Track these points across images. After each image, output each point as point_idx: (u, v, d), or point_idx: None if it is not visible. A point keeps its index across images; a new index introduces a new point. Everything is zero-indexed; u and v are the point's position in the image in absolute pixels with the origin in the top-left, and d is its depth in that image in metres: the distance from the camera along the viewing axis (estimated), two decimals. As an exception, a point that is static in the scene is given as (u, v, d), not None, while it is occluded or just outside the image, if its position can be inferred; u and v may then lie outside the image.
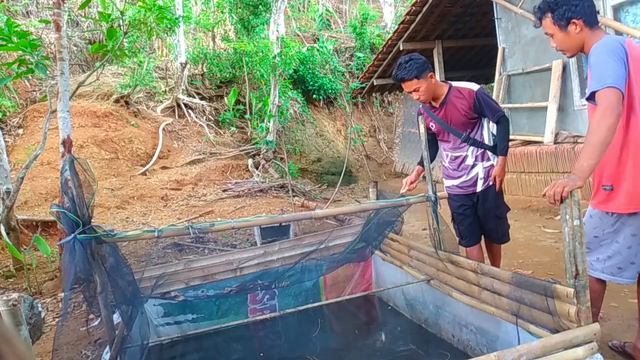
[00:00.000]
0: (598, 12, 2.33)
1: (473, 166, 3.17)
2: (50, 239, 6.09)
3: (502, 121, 3.08)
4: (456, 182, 3.25)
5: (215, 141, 10.81)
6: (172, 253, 5.49)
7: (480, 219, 3.26)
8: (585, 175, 1.92)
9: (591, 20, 2.19)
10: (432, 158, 3.25)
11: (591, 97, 2.05)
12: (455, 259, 2.84)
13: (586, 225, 2.30)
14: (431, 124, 3.23)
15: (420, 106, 3.29)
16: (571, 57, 2.35)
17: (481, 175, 3.16)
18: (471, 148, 3.15)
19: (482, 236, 3.36)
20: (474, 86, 3.12)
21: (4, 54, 8.92)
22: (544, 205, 6.28)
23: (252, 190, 8.40)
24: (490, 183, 3.16)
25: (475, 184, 3.18)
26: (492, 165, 3.16)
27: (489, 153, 3.16)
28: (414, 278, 3.29)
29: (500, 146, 3.11)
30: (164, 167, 9.46)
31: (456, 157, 3.22)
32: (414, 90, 3.03)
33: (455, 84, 3.16)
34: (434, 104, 3.17)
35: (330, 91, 13.38)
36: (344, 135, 13.37)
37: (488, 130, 3.18)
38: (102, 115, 9.78)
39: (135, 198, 7.95)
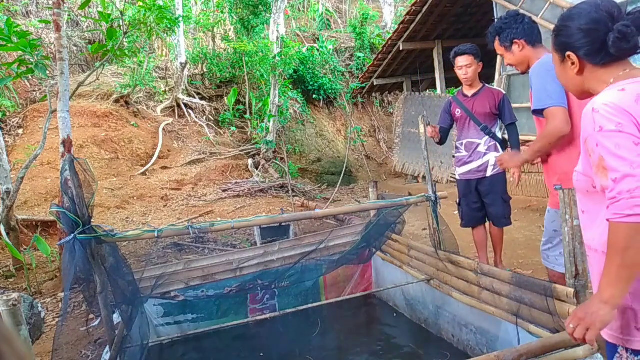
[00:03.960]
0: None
1: (485, 154, 3.65)
2: (50, 239, 6.09)
3: (514, 127, 3.66)
4: (468, 167, 3.72)
5: (215, 141, 10.81)
6: (172, 253, 5.48)
7: (487, 203, 3.71)
8: (533, 154, 2.54)
9: (532, 39, 2.54)
10: (446, 138, 3.87)
11: (536, 112, 2.46)
12: (455, 259, 2.84)
13: (545, 221, 2.62)
14: (457, 110, 3.74)
15: (451, 97, 3.89)
16: (523, 72, 2.69)
17: (492, 162, 3.64)
18: (485, 138, 3.64)
19: (488, 221, 3.82)
20: (502, 91, 3.83)
21: (4, 54, 8.92)
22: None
23: (252, 190, 8.40)
24: (511, 179, 3.61)
25: (485, 169, 3.66)
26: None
27: (499, 146, 3.67)
28: (414, 278, 3.29)
29: (515, 148, 3.60)
30: (164, 167, 9.46)
31: (471, 144, 3.70)
32: (466, 66, 3.60)
33: (488, 85, 3.81)
34: (467, 93, 3.73)
35: (330, 91, 13.37)
36: (344, 135, 13.36)
37: (501, 129, 3.75)
38: (102, 115, 9.78)
39: (135, 198, 7.95)
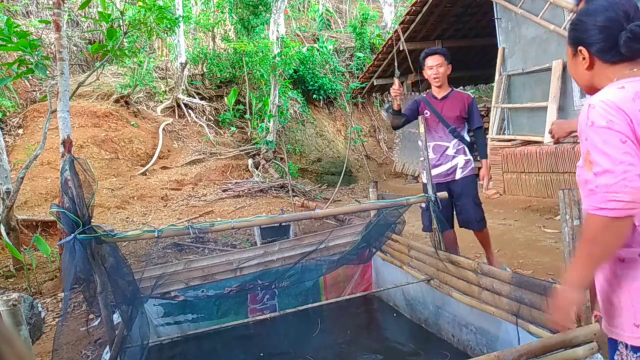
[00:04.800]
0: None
1: (453, 157, 3.63)
2: (50, 239, 6.09)
3: (481, 131, 3.70)
4: (437, 171, 3.63)
5: (215, 141, 10.80)
6: (172, 253, 5.48)
7: (459, 207, 3.66)
8: None
9: None
10: (402, 125, 3.83)
11: None
12: (455, 259, 2.84)
13: None
14: (426, 111, 3.67)
15: (420, 98, 3.83)
16: None
17: (460, 165, 3.62)
18: (454, 141, 3.61)
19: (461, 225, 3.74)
20: (470, 95, 3.79)
21: (4, 54, 8.92)
22: (544, 205, 6.28)
23: (252, 190, 8.40)
24: (482, 184, 3.67)
25: (454, 172, 3.62)
26: (470, 160, 3.66)
27: (467, 149, 3.66)
28: (414, 278, 3.29)
29: (483, 151, 3.71)
30: (164, 167, 9.46)
31: (440, 146, 3.66)
32: (437, 65, 3.56)
33: (456, 89, 3.79)
34: (436, 95, 3.69)
35: (330, 91, 13.38)
36: (344, 135, 13.36)
37: (468, 133, 3.73)
38: (102, 115, 9.78)
39: (135, 198, 7.95)
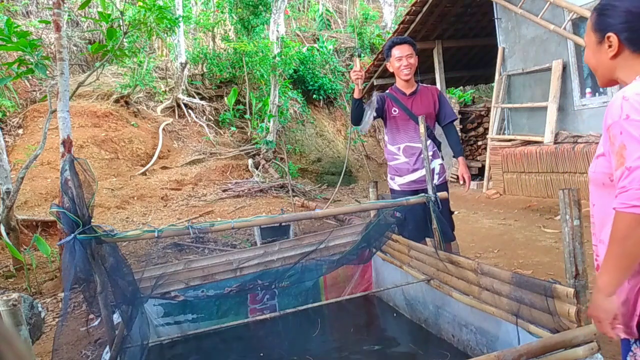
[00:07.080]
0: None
1: (431, 161, 3.22)
2: (50, 239, 6.09)
3: (453, 126, 3.40)
4: (415, 175, 3.32)
5: (215, 141, 10.81)
6: (172, 253, 5.48)
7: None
8: None
9: None
10: (359, 119, 3.18)
11: None
12: (455, 259, 2.83)
13: None
14: (394, 109, 3.33)
15: (385, 94, 3.40)
16: None
17: (437, 170, 3.34)
18: (428, 141, 3.20)
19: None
20: (437, 87, 3.47)
21: (4, 54, 8.92)
22: (544, 205, 6.28)
23: (252, 190, 8.40)
24: (462, 182, 3.37)
25: (432, 179, 3.21)
26: (443, 164, 3.43)
27: (438, 152, 3.39)
28: (414, 278, 3.29)
29: (458, 148, 3.38)
30: (164, 167, 9.46)
31: (412, 148, 3.31)
32: (407, 56, 3.21)
33: (422, 84, 3.47)
34: (404, 90, 3.35)
35: (330, 91, 13.38)
36: (344, 135, 13.36)
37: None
38: (102, 115, 9.78)
39: (135, 198, 7.95)
